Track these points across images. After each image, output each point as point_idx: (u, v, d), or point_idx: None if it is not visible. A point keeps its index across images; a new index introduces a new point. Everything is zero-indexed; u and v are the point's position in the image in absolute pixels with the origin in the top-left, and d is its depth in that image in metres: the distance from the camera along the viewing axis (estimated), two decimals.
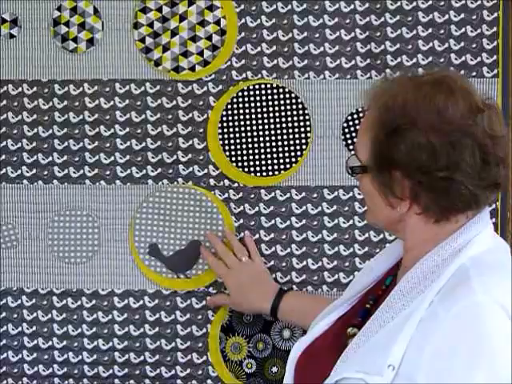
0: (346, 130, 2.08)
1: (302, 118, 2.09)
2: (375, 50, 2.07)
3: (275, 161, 2.09)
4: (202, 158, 2.10)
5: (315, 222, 2.09)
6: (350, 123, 2.08)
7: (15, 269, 2.10)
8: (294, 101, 2.09)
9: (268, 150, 2.09)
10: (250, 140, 2.10)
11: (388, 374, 1.35)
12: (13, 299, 2.10)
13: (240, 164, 2.10)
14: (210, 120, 2.10)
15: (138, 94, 2.10)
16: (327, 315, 1.64)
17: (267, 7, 2.09)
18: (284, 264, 2.09)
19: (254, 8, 2.09)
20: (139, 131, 2.10)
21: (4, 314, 2.10)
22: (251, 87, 2.10)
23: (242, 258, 2.05)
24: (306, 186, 2.09)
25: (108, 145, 2.10)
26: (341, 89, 2.08)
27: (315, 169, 2.09)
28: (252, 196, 2.10)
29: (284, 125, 2.09)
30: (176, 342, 2.09)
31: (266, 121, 2.09)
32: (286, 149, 2.09)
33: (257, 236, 2.09)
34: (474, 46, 2.06)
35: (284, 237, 2.09)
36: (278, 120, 2.09)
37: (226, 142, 2.10)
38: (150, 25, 2.10)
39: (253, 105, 2.09)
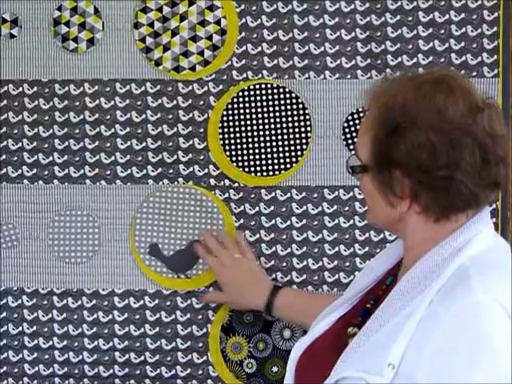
0: (347, 130, 2.08)
1: (302, 117, 2.09)
2: (375, 50, 2.07)
3: (275, 161, 2.09)
4: (202, 157, 2.10)
5: (316, 222, 2.09)
6: (351, 123, 2.08)
7: (16, 269, 2.10)
8: (294, 101, 2.09)
9: (268, 149, 2.09)
10: (250, 140, 2.10)
11: (388, 373, 1.35)
12: (13, 299, 2.10)
13: (240, 164, 2.10)
14: (211, 120, 2.10)
15: (138, 94, 2.10)
16: (328, 315, 1.64)
17: (267, 7, 2.09)
18: (284, 264, 2.09)
19: (254, 8, 2.09)
20: (140, 131, 2.10)
21: (4, 314, 2.10)
22: (252, 87, 2.10)
23: (235, 254, 2.05)
24: (306, 185, 2.09)
25: (108, 145, 2.10)
26: (341, 89, 2.08)
27: (315, 169, 2.09)
28: (252, 196, 2.10)
29: (284, 125, 2.09)
30: (176, 342, 2.09)
31: (266, 121, 2.09)
32: (287, 149, 2.09)
33: (257, 236, 2.09)
34: (474, 45, 2.06)
35: (284, 237, 2.09)
36: (278, 120, 2.09)
37: (227, 141, 2.10)
38: (151, 25, 2.10)
39: (253, 105, 2.09)
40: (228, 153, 2.10)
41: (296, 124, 2.09)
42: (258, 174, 2.10)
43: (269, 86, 2.09)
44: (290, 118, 2.09)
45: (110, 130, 2.10)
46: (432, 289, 1.39)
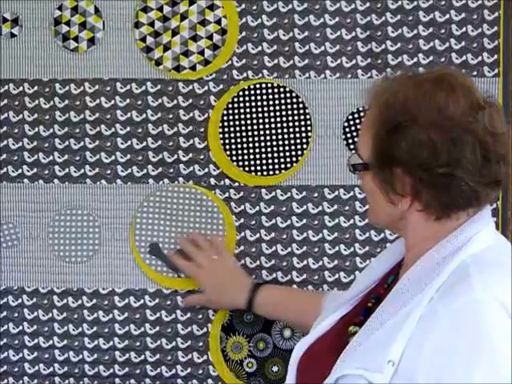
0: (347, 130, 2.08)
1: (302, 117, 2.09)
2: (376, 50, 2.07)
3: (276, 160, 2.09)
4: (202, 157, 2.10)
5: (316, 222, 2.09)
6: (351, 122, 2.08)
7: (16, 268, 2.10)
8: (294, 100, 2.09)
9: (269, 149, 2.09)
10: (250, 139, 2.10)
11: (388, 370, 1.36)
12: (13, 298, 2.10)
13: (241, 163, 2.10)
14: (211, 119, 2.10)
15: (138, 94, 2.10)
16: (329, 315, 1.65)
17: (268, 6, 2.09)
18: (285, 263, 2.09)
19: (254, 7, 2.09)
20: (140, 130, 2.10)
21: (5, 313, 2.10)
22: (252, 86, 2.10)
23: (213, 256, 2.05)
24: (306, 185, 2.09)
25: (109, 144, 2.10)
26: (341, 88, 2.08)
27: (316, 168, 2.09)
28: (253, 195, 2.10)
29: (285, 124, 2.09)
30: (176, 342, 2.09)
31: (266, 120, 2.09)
32: (287, 148, 2.09)
33: (257, 235, 2.09)
34: (474, 45, 2.06)
35: (285, 236, 2.09)
36: (278, 119, 2.09)
37: (227, 141, 2.10)
38: (151, 24, 2.10)
39: (253, 104, 2.10)
40: (228, 152, 2.10)
41: (296, 123, 2.09)
42: (259, 173, 2.10)
43: (269, 85, 2.10)
44: (290, 118, 2.09)
45: (110, 130, 2.10)
46: (432, 287, 1.39)
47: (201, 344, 2.09)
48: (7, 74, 2.11)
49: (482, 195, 1.42)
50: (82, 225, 2.10)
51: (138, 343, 2.09)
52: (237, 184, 2.10)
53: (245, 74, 2.10)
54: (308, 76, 2.09)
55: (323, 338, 1.61)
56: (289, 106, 2.09)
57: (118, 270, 2.09)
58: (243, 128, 2.10)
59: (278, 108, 2.09)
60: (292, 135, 2.09)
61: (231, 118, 2.10)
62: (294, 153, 2.09)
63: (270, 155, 2.09)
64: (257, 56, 2.09)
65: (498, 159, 1.41)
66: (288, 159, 2.09)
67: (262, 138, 2.09)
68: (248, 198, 2.10)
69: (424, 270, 1.43)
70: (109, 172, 2.10)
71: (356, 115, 2.08)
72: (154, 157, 2.10)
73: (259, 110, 2.09)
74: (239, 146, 2.10)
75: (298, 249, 2.09)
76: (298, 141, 2.09)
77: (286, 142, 2.09)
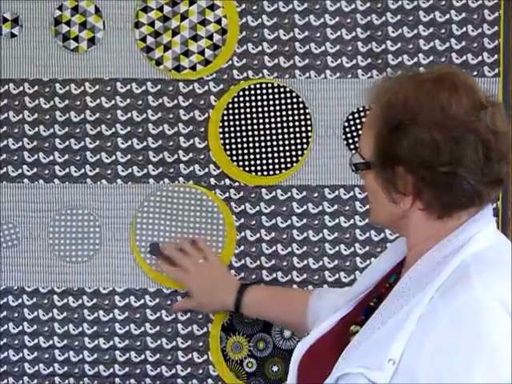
0: (347, 130, 2.09)
1: (302, 117, 2.09)
2: (376, 50, 2.07)
3: (276, 160, 2.09)
4: (202, 157, 2.10)
5: (316, 222, 2.09)
6: (351, 122, 2.08)
7: (16, 268, 2.10)
8: (294, 100, 2.09)
9: (269, 149, 2.10)
10: (250, 139, 2.10)
11: (388, 368, 1.36)
12: (13, 298, 2.10)
13: (241, 163, 2.10)
14: (211, 119, 2.10)
15: (139, 93, 2.10)
16: (330, 315, 1.65)
17: (268, 6, 2.09)
18: (285, 263, 2.09)
19: (255, 7, 2.09)
20: (140, 130, 2.10)
21: (5, 313, 2.10)
22: (252, 86, 2.10)
23: (199, 260, 2.05)
24: (306, 185, 2.09)
25: (109, 144, 2.10)
26: (342, 88, 2.09)
27: (316, 168, 2.09)
28: (253, 195, 2.10)
29: (285, 124, 2.09)
30: (177, 341, 2.09)
31: (266, 120, 2.09)
32: (287, 148, 2.09)
33: (258, 235, 2.09)
34: (475, 45, 2.06)
35: (285, 236, 2.09)
36: (278, 119, 2.09)
37: (227, 141, 2.10)
38: (151, 24, 2.10)
39: (254, 104, 2.10)
40: (228, 152, 2.10)
41: (296, 123, 2.09)
42: (259, 173, 2.10)
43: (269, 85, 2.10)
44: (290, 118, 2.09)
45: (110, 130, 2.10)
46: (433, 286, 1.39)
47: (201, 344, 2.09)
48: (7, 74, 2.11)
49: (483, 194, 1.42)
50: (82, 224, 2.10)
51: (138, 343, 2.09)
52: (237, 184, 2.10)
53: (245, 74, 2.10)
54: (308, 76, 2.09)
55: (324, 338, 1.61)
56: (289, 106, 2.09)
57: (119, 269, 2.09)
58: (243, 128, 2.10)
59: (278, 108, 2.09)
60: (292, 135, 2.09)
61: (231, 117, 2.10)
62: (294, 153, 2.09)
63: (270, 155, 2.09)
64: (257, 56, 2.10)
65: (499, 158, 1.41)
66: (288, 159, 2.09)
67: (263, 138, 2.09)
68: (248, 198, 2.10)
69: (425, 269, 1.43)
70: (109, 172, 2.10)
71: (356, 115, 2.08)
72: (154, 157, 2.10)
73: (259, 109, 2.10)
74: (239, 145, 2.10)
75: (298, 249, 2.09)
76: (299, 141, 2.09)
77: (287, 142, 2.09)
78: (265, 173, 2.10)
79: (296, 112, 2.09)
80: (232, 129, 2.10)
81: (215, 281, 2.05)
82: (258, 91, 2.09)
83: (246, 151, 2.10)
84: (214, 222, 2.10)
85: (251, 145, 2.10)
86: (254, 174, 2.10)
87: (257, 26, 2.09)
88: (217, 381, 2.09)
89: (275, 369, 2.09)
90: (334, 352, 1.48)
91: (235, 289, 2.01)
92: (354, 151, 2.05)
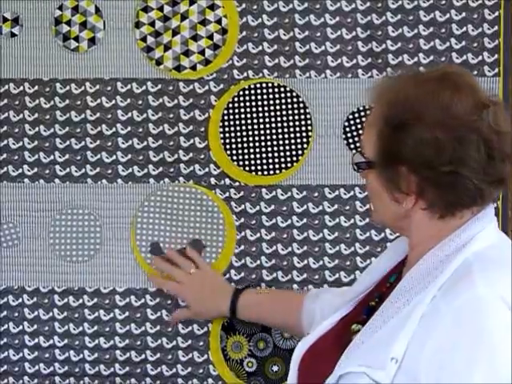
0: (348, 129, 2.09)
1: (303, 116, 2.09)
2: (376, 49, 2.08)
3: (276, 160, 2.09)
4: (203, 157, 2.10)
5: (316, 221, 2.09)
6: (352, 122, 2.08)
7: (16, 267, 2.10)
8: (295, 100, 2.09)
9: (269, 148, 2.10)
10: (251, 139, 2.10)
11: (391, 367, 1.36)
12: (14, 298, 2.10)
13: (241, 163, 2.10)
14: (211, 119, 2.10)
15: (139, 93, 2.10)
16: (330, 315, 1.65)
17: (268, 6, 2.09)
18: (285, 263, 2.09)
19: (255, 7, 2.10)
20: (141, 130, 2.10)
21: (5, 313, 2.10)
22: (252, 86, 2.10)
23: (191, 270, 2.05)
24: (307, 184, 2.09)
25: (110, 144, 2.10)
26: (342, 88, 2.09)
27: (316, 168, 2.09)
28: (253, 195, 2.10)
29: (285, 124, 2.09)
30: (177, 341, 2.09)
31: (267, 120, 2.10)
32: (287, 148, 2.09)
33: (258, 235, 2.09)
34: (475, 44, 2.06)
35: (285, 236, 2.09)
36: (279, 119, 2.09)
37: (227, 140, 2.10)
38: (152, 24, 2.10)
39: (254, 104, 2.10)
40: (229, 152, 2.10)
41: (297, 123, 2.09)
42: (259, 172, 2.10)
43: (270, 85, 2.10)
44: (290, 117, 2.09)
45: (111, 129, 2.10)
46: (435, 285, 1.39)
47: (201, 343, 2.09)
48: (7, 74, 2.11)
49: (486, 193, 1.43)
50: (82, 224, 2.10)
51: (138, 342, 2.09)
52: (237, 183, 2.10)
53: (245, 74, 2.10)
54: (308, 75, 2.09)
55: (324, 337, 1.61)
56: (289, 106, 2.09)
57: (119, 269, 2.09)
58: (244, 127, 2.10)
59: (278, 107, 2.09)
60: (292, 135, 2.09)
61: (232, 117, 2.10)
62: (294, 152, 2.09)
63: (270, 155, 2.10)
64: (257, 55, 2.10)
65: (502, 157, 1.41)
66: (288, 159, 2.09)
67: (263, 138, 2.10)
68: (248, 198, 2.10)
69: (427, 268, 1.43)
70: (110, 171, 2.10)
71: (356, 115, 2.08)
72: (154, 156, 2.10)
73: (260, 109, 2.10)
74: (239, 145, 2.10)
75: (298, 248, 2.09)
76: (299, 140, 2.09)
77: (287, 142, 2.09)
78: (265, 172, 2.10)
79: (296, 112, 2.09)
80: (232, 128, 2.10)
81: (208, 289, 2.05)
82: (259, 91, 2.09)
83: (246, 151, 2.10)
84: (214, 222, 2.10)
85: (251, 144, 2.10)
86: (254, 173, 2.10)
87: (257, 26, 2.09)
88: (217, 380, 2.09)
89: (275, 368, 2.09)
90: (335, 351, 1.48)
91: (230, 294, 2.02)
92: (354, 151, 2.05)
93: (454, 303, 1.35)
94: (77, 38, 2.11)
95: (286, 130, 2.09)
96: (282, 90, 2.09)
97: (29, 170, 2.11)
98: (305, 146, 2.09)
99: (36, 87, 2.11)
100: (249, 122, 2.10)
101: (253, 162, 2.10)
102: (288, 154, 2.09)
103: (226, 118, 2.10)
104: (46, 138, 2.11)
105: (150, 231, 2.09)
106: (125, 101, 2.10)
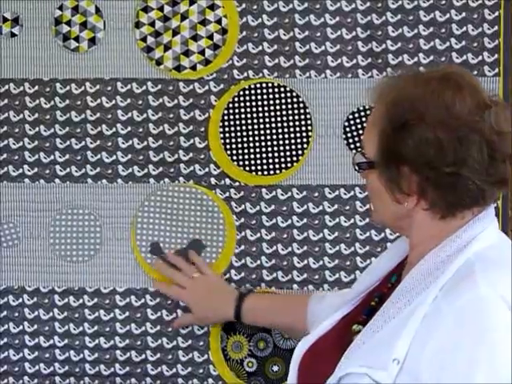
0: (348, 129, 2.09)
1: (303, 116, 2.09)
2: (376, 49, 2.08)
3: (276, 160, 2.09)
4: (203, 157, 2.10)
5: (316, 221, 2.09)
6: (352, 122, 2.08)
7: (16, 267, 2.10)
8: (295, 100, 2.09)
9: (269, 148, 2.10)
10: (251, 139, 2.10)
11: (393, 368, 1.35)
12: (14, 298, 2.10)
13: (241, 163, 2.10)
14: (212, 119, 2.10)
15: (139, 93, 2.10)
16: (331, 315, 1.65)
17: (268, 6, 2.09)
18: (285, 263, 2.09)
19: (255, 7, 2.10)
20: (141, 130, 2.10)
21: (5, 313, 2.10)
22: (252, 86, 2.10)
23: (194, 274, 2.05)
24: (307, 184, 2.09)
25: (110, 144, 2.10)
26: (342, 88, 2.09)
27: (316, 168, 2.09)
28: (253, 195, 2.10)
29: (285, 124, 2.09)
30: (177, 341, 2.09)
31: (267, 120, 2.10)
32: (288, 148, 2.09)
33: (258, 235, 2.09)
34: (475, 44, 2.06)
35: (285, 236, 2.09)
36: (279, 119, 2.09)
37: (227, 140, 2.10)
38: (152, 24, 2.10)
39: (254, 104, 2.10)
40: (229, 152, 2.10)
41: (297, 123, 2.09)
42: (259, 172, 2.10)
43: (270, 85, 2.10)
44: (290, 117, 2.09)
45: (111, 129, 2.10)
46: (437, 285, 1.39)
47: (201, 343, 2.09)
48: (7, 74, 2.12)
49: (488, 194, 1.42)
50: (83, 224, 2.10)
51: (138, 342, 2.09)
52: (237, 183, 2.10)
53: (245, 74, 2.10)
54: (308, 75, 2.09)
55: (325, 337, 1.61)
56: (289, 106, 2.09)
57: (119, 269, 2.09)
58: (244, 127, 2.10)
59: (278, 107, 2.09)
60: (292, 135, 2.09)
61: (232, 117, 2.10)
62: (294, 152, 2.09)
63: (270, 155, 2.10)
64: (257, 55, 2.10)
65: (504, 158, 1.41)
66: (288, 159, 2.09)
67: (263, 138, 2.10)
68: (248, 198, 2.10)
69: (428, 268, 1.43)
70: (110, 171, 2.10)
71: (356, 115, 2.08)
72: (154, 156, 2.10)
73: (260, 109, 2.10)
74: (240, 145, 2.10)
75: (298, 248, 2.09)
76: (299, 140, 2.09)
77: (287, 142, 2.09)
78: (265, 172, 2.10)
79: (296, 112, 2.09)
80: (232, 128, 2.10)
81: (212, 293, 2.04)
82: (259, 91, 2.09)
83: (246, 151, 2.10)
84: (214, 222, 2.10)
85: (251, 144, 2.10)
86: (254, 173, 2.10)
87: (257, 26, 2.09)
88: (217, 380, 2.09)
89: (276, 368, 2.09)
90: (336, 351, 1.48)
91: (234, 298, 2.01)
92: (354, 151, 2.05)
93: (456, 303, 1.35)
94: (77, 38, 2.11)
95: (285, 130, 2.09)
96: (282, 90, 2.09)
97: (29, 170, 2.11)
98: (305, 145, 2.09)
99: (36, 87, 2.11)
100: (249, 121, 2.10)
101: (253, 161, 2.10)
102: (288, 153, 2.09)
103: (226, 117, 2.10)
104: (46, 138, 2.11)
105: (150, 231, 2.09)
106: (125, 101, 2.10)
